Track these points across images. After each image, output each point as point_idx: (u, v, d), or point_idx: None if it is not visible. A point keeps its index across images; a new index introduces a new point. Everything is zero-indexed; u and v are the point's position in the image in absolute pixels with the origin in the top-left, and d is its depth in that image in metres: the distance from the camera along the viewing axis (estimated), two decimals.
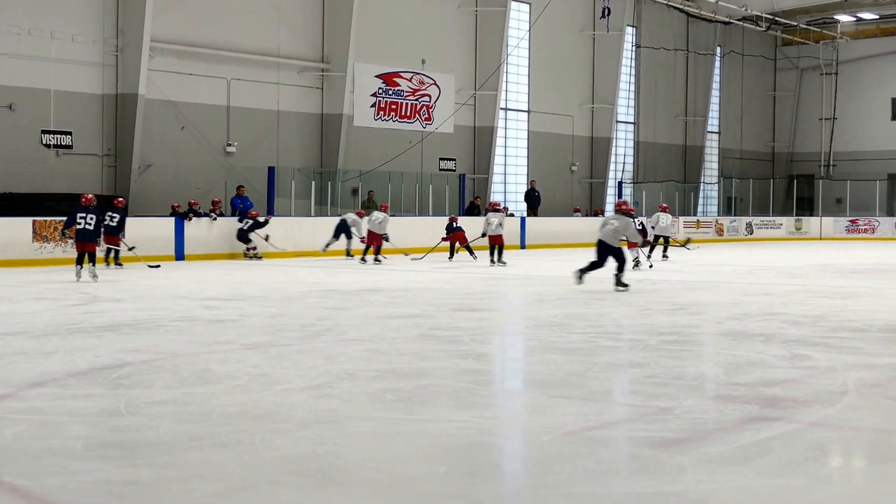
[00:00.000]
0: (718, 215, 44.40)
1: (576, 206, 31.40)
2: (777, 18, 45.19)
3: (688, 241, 29.83)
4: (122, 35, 25.44)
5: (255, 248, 24.68)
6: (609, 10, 36.92)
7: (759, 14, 44.23)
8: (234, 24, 28.03)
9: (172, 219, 24.23)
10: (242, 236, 24.68)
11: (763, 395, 7.25)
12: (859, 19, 46.72)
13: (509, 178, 37.05)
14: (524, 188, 36.54)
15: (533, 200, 34.91)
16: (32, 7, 24.22)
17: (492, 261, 23.17)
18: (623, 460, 5.68)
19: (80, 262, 18.14)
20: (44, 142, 24.50)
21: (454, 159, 34.21)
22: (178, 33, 26.71)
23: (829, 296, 15.49)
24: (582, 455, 5.65)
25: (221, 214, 25.46)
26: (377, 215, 24.07)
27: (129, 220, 22.92)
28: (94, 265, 18.20)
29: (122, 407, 6.80)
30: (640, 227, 21.71)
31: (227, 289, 16.52)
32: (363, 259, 23.98)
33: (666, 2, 41.31)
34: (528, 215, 34.90)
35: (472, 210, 32.11)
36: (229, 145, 27.91)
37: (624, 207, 17.27)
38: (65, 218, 19.28)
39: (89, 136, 25.26)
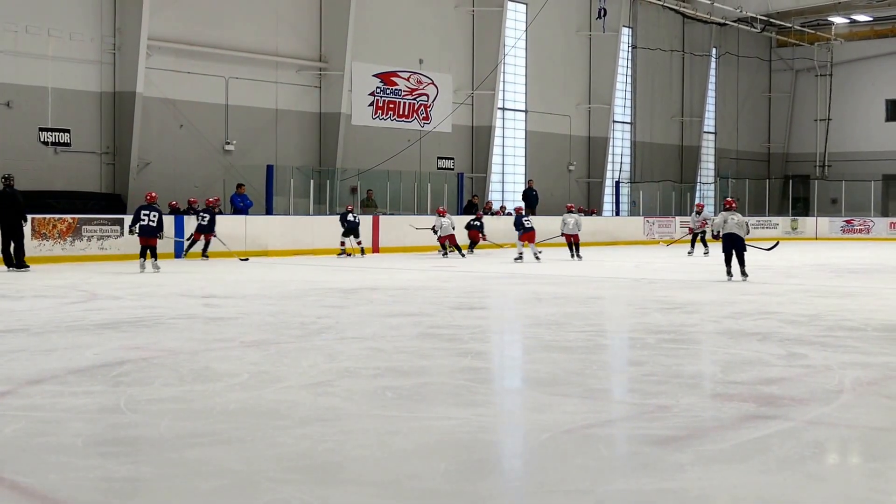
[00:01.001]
0: (715, 215, 44.36)
1: (569, 205, 31.28)
2: (772, 20, 45.32)
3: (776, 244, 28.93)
4: (120, 33, 25.46)
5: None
6: (605, 10, 36.96)
7: (754, 15, 44.35)
8: (232, 23, 28.04)
9: (171, 217, 24.23)
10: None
11: (760, 394, 7.28)
12: (853, 21, 46.84)
13: (507, 177, 37.09)
14: (522, 187, 36.57)
15: (531, 200, 34.92)
16: (30, 4, 24.23)
17: (571, 255, 25.36)
18: (622, 458, 5.71)
19: (143, 255, 19.58)
20: (42, 139, 24.51)
21: (452, 158, 34.24)
22: (175, 32, 26.72)
23: (824, 295, 15.53)
24: (581, 452, 5.68)
25: (220, 212, 25.48)
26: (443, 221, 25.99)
27: (128, 219, 23.09)
28: (155, 259, 19.67)
29: (122, 404, 6.82)
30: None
31: (227, 287, 16.54)
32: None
33: (662, 3, 41.36)
34: (526, 214, 34.85)
35: (470, 209, 32.12)
36: (228, 144, 27.93)
37: (733, 204, 18.93)
38: (129, 216, 21.41)
39: (88, 133, 25.27)
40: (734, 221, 18.21)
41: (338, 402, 6.96)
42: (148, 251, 19.59)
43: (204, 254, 23.96)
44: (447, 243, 26.51)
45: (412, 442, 5.88)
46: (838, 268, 22.52)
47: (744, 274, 18.03)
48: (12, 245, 19.61)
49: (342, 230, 25.38)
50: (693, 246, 27.80)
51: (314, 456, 5.56)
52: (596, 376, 8.31)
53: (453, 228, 26.47)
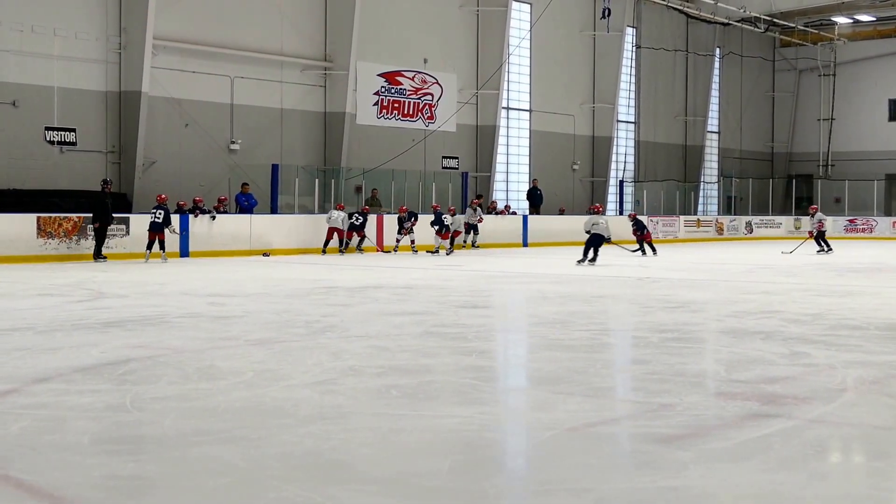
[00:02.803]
0: (718, 214, 44.46)
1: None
2: (775, 20, 45.31)
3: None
4: (125, 32, 25.49)
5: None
6: (609, 10, 36.94)
7: (758, 15, 44.34)
8: (237, 22, 28.08)
9: (177, 216, 24.27)
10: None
11: (763, 392, 7.30)
12: (856, 21, 46.85)
13: (511, 176, 37.11)
14: (526, 187, 36.59)
15: (535, 199, 34.95)
16: (35, 4, 24.28)
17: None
18: (625, 456, 5.73)
19: (149, 247, 22.57)
20: (48, 138, 24.56)
21: (457, 158, 34.26)
22: (181, 31, 26.77)
23: (827, 294, 15.54)
24: (584, 451, 5.70)
25: (226, 211, 25.52)
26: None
27: (134, 217, 23.26)
28: (163, 251, 22.62)
29: (127, 402, 6.84)
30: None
31: (232, 285, 16.56)
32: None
33: (665, 3, 41.36)
34: (531, 213, 34.95)
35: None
36: (233, 143, 27.97)
37: (599, 209, 19.82)
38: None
39: (93, 133, 25.31)
40: (602, 225, 22.90)
41: (342, 400, 6.98)
42: (157, 244, 22.50)
43: (161, 248, 22.97)
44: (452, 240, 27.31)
45: (416, 440, 5.90)
46: (841, 267, 22.51)
47: (592, 262, 22.39)
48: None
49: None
50: (820, 245, 28.99)
51: (319, 454, 5.57)
52: (599, 375, 8.33)
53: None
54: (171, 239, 23.21)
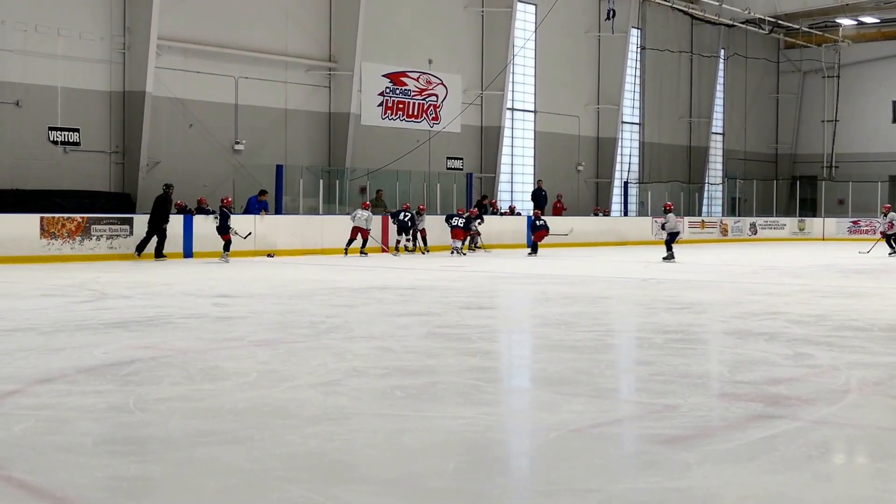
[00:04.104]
0: (723, 216, 44.44)
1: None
2: (779, 21, 45.32)
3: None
4: (130, 32, 25.51)
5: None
6: (614, 11, 36.92)
7: (762, 17, 44.35)
8: (241, 23, 28.09)
9: (180, 216, 24.29)
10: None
11: (767, 394, 7.29)
12: (860, 23, 46.86)
13: (516, 177, 37.11)
14: (531, 187, 36.59)
15: (540, 200, 34.93)
16: (39, 4, 24.30)
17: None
18: (629, 457, 5.73)
19: (226, 248, 23.33)
20: (51, 138, 24.58)
21: (461, 158, 34.27)
22: (185, 31, 26.79)
23: (831, 295, 15.53)
24: (589, 451, 5.70)
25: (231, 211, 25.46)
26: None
27: (137, 217, 23.32)
28: (226, 251, 23.18)
29: (131, 403, 6.84)
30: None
31: (236, 286, 16.56)
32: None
33: (670, 4, 41.36)
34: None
35: (480, 209, 32.10)
36: (237, 143, 27.98)
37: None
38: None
39: (97, 133, 25.33)
40: (672, 221, 25.37)
41: (346, 401, 6.98)
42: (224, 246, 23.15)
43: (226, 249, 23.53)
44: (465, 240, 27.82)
45: (421, 441, 5.90)
46: (845, 268, 22.49)
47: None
48: (155, 239, 23.34)
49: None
50: (891, 246, 28.77)
51: (323, 455, 5.57)
52: (604, 375, 8.33)
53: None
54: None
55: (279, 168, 27.73)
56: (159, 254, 23.34)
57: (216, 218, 23.52)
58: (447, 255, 26.74)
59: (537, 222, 28.18)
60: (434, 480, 5.12)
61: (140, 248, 23.23)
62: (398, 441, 5.90)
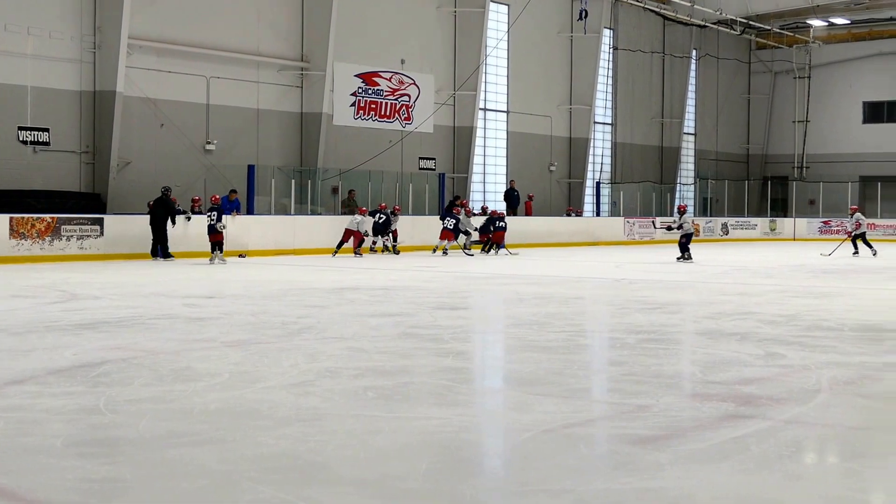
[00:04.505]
0: (694, 216, 44.59)
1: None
2: (751, 22, 45.57)
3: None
4: (100, 32, 25.37)
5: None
6: (587, 12, 37.02)
7: (734, 18, 44.57)
8: (213, 22, 27.99)
9: (148, 217, 24.14)
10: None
11: (739, 393, 7.32)
12: (831, 24, 47.20)
13: (488, 177, 37.13)
14: (503, 188, 36.62)
15: (512, 200, 34.98)
16: (9, 3, 24.13)
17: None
18: (602, 457, 5.73)
19: (212, 250, 22.85)
20: (21, 138, 24.40)
21: (434, 159, 34.26)
22: (156, 30, 26.65)
23: (802, 295, 15.62)
24: (561, 452, 5.71)
25: (200, 212, 25.38)
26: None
27: (107, 218, 23.19)
28: (220, 252, 22.81)
29: (101, 405, 6.79)
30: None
31: (207, 286, 16.50)
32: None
33: (642, 5, 41.49)
34: (508, 215, 34.94)
35: (452, 209, 32.10)
36: (209, 143, 27.87)
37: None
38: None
39: (67, 133, 25.17)
40: (688, 223, 25.67)
41: (319, 402, 6.96)
42: (215, 246, 22.78)
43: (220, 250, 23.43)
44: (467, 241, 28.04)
45: (393, 442, 5.89)
46: (816, 269, 22.62)
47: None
48: (158, 239, 23.56)
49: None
50: (856, 247, 28.79)
51: (295, 456, 5.55)
52: (576, 376, 8.34)
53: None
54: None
55: (251, 168, 27.63)
56: (165, 254, 23.57)
57: (210, 217, 22.91)
58: (458, 254, 27.18)
59: (499, 223, 28.51)
60: (407, 481, 5.11)
61: (163, 250, 23.61)
62: (371, 442, 5.89)
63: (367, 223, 26.18)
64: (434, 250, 27.63)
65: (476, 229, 28.65)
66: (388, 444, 5.85)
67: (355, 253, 25.80)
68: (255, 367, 8.38)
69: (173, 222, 23.78)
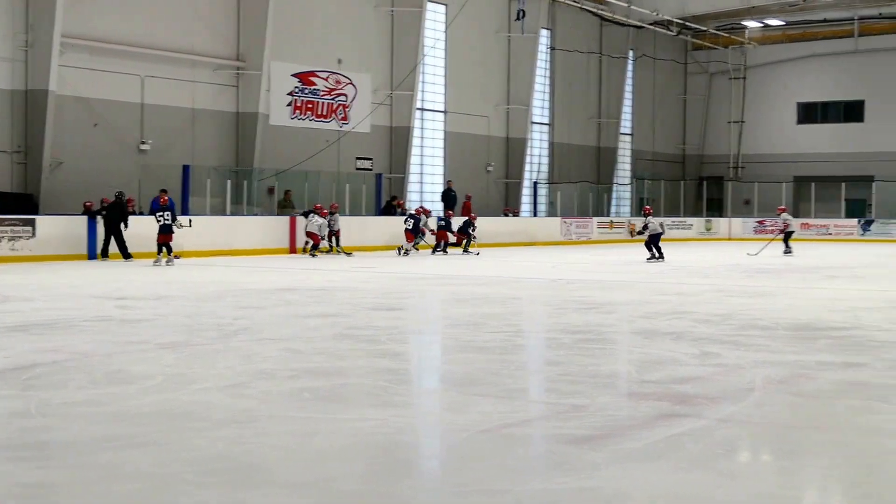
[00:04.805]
0: (631, 216, 44.91)
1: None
2: (687, 23, 45.98)
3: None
4: (32, 30, 24.99)
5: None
6: (524, 12, 37.14)
7: (670, 19, 44.92)
8: (148, 21, 27.69)
9: (84, 217, 23.87)
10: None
11: (674, 392, 7.38)
12: (766, 25, 47.79)
13: (426, 177, 37.12)
14: (440, 188, 36.63)
15: (450, 200, 34.99)
16: None
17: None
18: (538, 457, 5.75)
19: (159, 251, 22.36)
20: None
21: (371, 159, 34.18)
22: (90, 29, 26.33)
23: (737, 295, 15.79)
24: (498, 452, 5.71)
25: (134, 212, 25.12)
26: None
27: (40, 219, 22.88)
28: (170, 252, 22.26)
29: (32, 408, 6.71)
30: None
31: (142, 288, 16.33)
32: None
33: (579, 5, 41.71)
34: (446, 215, 34.96)
35: (389, 210, 32.13)
36: (143, 143, 27.57)
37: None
38: None
39: None
40: (654, 224, 25.52)
41: (254, 403, 6.92)
42: (164, 247, 22.28)
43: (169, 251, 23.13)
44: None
45: (330, 443, 5.87)
46: (750, 268, 22.87)
47: (661, 258, 24.74)
48: (113, 241, 23.62)
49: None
50: (787, 245, 29.42)
51: (231, 458, 5.52)
52: (513, 376, 8.36)
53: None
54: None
55: (186, 168, 27.37)
56: (125, 255, 23.59)
57: (161, 217, 22.49)
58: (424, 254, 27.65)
59: (442, 223, 29.08)
60: (344, 483, 5.11)
61: (123, 252, 23.59)
62: (307, 443, 5.87)
63: (325, 226, 26.47)
64: (399, 250, 28.03)
65: (433, 232, 29.06)
66: (325, 445, 5.83)
67: (311, 254, 26.05)
68: (189, 370, 8.31)
69: (125, 225, 23.59)
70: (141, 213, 25.29)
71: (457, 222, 29.61)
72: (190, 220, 24.25)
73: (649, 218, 26.26)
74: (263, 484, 5.07)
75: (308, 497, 4.87)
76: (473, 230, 29.22)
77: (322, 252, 26.89)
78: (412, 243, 27.99)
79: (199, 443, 5.80)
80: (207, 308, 13.25)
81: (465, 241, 29.19)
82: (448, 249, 29.10)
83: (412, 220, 28.04)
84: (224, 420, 6.39)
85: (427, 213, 29.40)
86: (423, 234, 28.54)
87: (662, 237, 26.05)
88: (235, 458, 5.53)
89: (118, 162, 26.99)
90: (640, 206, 46.73)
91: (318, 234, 26.34)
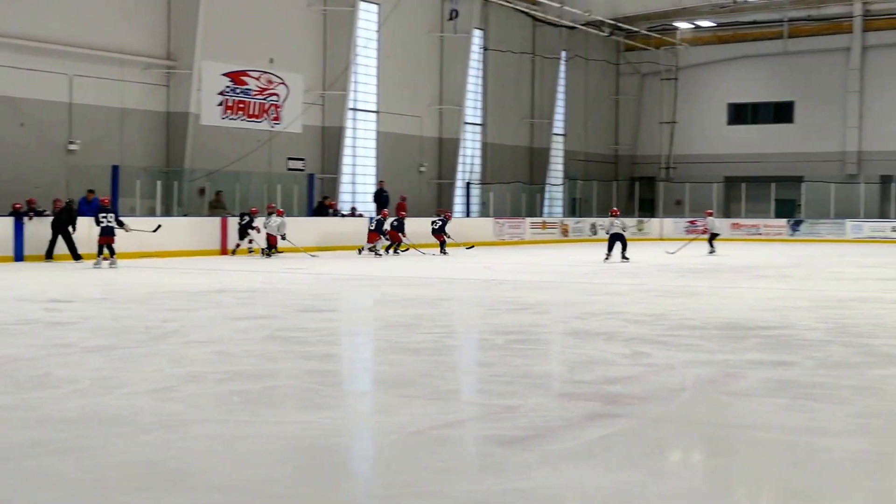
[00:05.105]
0: (563, 216, 45.16)
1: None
2: (619, 24, 46.35)
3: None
4: None
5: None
6: (457, 12, 37.19)
7: (603, 19, 45.24)
8: (76, 19, 27.31)
9: (11, 218, 23.48)
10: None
11: (605, 393, 7.42)
12: (697, 27, 48.30)
13: (358, 178, 37.02)
14: (373, 188, 36.54)
15: (382, 201, 34.89)
16: None
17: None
18: (470, 459, 5.74)
19: (100, 253, 21.92)
20: None
21: (303, 159, 34.00)
22: (17, 27, 25.91)
23: (668, 295, 15.91)
24: (429, 454, 5.70)
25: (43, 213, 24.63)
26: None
27: None
28: (112, 255, 21.86)
29: None
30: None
31: (68, 290, 16.10)
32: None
33: (512, 5, 41.85)
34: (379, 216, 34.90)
35: (321, 210, 32.00)
36: (71, 143, 27.18)
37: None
38: None
39: None
40: (618, 224, 26.20)
41: (183, 407, 6.85)
42: (105, 249, 21.88)
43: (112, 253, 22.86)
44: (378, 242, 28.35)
45: (259, 447, 5.82)
46: (681, 268, 23.08)
47: (625, 258, 25.36)
48: (65, 244, 23.67)
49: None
50: (711, 245, 30.39)
51: (159, 463, 5.44)
52: (444, 377, 8.35)
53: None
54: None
55: (115, 169, 27.02)
56: (75, 256, 23.55)
57: (105, 220, 22.06)
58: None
59: (395, 223, 29.17)
60: (274, 486, 5.06)
61: (73, 253, 23.59)
62: (236, 447, 5.81)
63: (284, 225, 26.46)
64: (361, 250, 28.46)
65: (387, 232, 29.12)
66: (254, 448, 5.78)
67: (263, 252, 26.37)
68: (116, 373, 8.19)
69: (73, 228, 23.57)
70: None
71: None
72: (159, 225, 24.25)
73: (611, 219, 26.61)
74: (192, 488, 5.01)
75: (237, 501, 4.82)
76: (397, 229, 29.27)
77: (256, 253, 26.77)
78: (377, 243, 28.04)
79: (126, 447, 5.73)
80: (136, 310, 13.09)
81: (441, 242, 29.85)
82: (398, 250, 29.25)
83: (376, 222, 28.28)
84: (152, 424, 6.31)
85: (385, 216, 29.26)
86: (386, 234, 28.61)
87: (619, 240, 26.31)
88: (163, 462, 5.46)
89: (45, 162, 26.60)
90: (573, 207, 47.05)
91: (277, 234, 26.31)
